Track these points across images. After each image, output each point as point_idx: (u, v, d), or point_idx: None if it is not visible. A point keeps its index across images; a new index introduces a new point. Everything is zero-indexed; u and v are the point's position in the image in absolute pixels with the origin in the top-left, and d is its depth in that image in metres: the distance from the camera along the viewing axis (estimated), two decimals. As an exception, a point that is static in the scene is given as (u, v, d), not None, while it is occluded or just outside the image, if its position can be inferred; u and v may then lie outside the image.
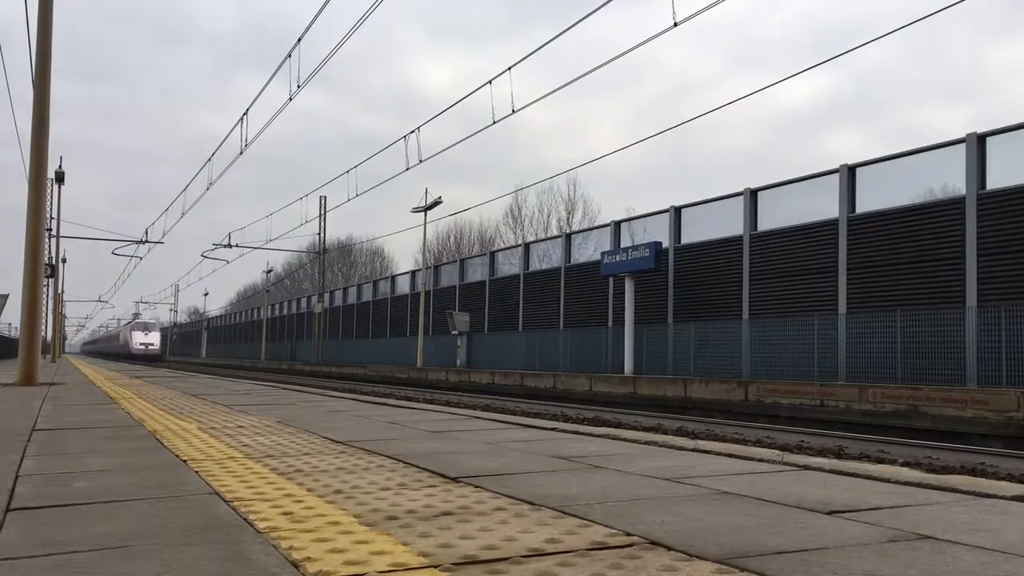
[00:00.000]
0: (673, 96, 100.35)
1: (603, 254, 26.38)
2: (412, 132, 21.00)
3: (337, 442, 4.30)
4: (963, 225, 17.15)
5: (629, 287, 24.89)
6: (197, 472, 3.22)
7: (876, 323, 18.14)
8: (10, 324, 59.27)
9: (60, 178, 33.54)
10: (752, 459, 3.59)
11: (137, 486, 2.90)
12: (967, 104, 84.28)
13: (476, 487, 2.84)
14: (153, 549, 1.95)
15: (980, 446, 11.24)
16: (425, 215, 36.77)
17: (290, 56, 17.68)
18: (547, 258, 34.29)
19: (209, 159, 26.32)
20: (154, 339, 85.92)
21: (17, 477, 3.12)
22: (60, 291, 47.47)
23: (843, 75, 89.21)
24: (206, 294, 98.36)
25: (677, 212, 25.48)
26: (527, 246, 35.90)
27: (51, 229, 32.56)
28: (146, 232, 39.30)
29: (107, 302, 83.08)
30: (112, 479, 3.08)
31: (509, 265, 36.23)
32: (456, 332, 35.52)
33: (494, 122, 17.78)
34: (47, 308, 37.67)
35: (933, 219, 18.00)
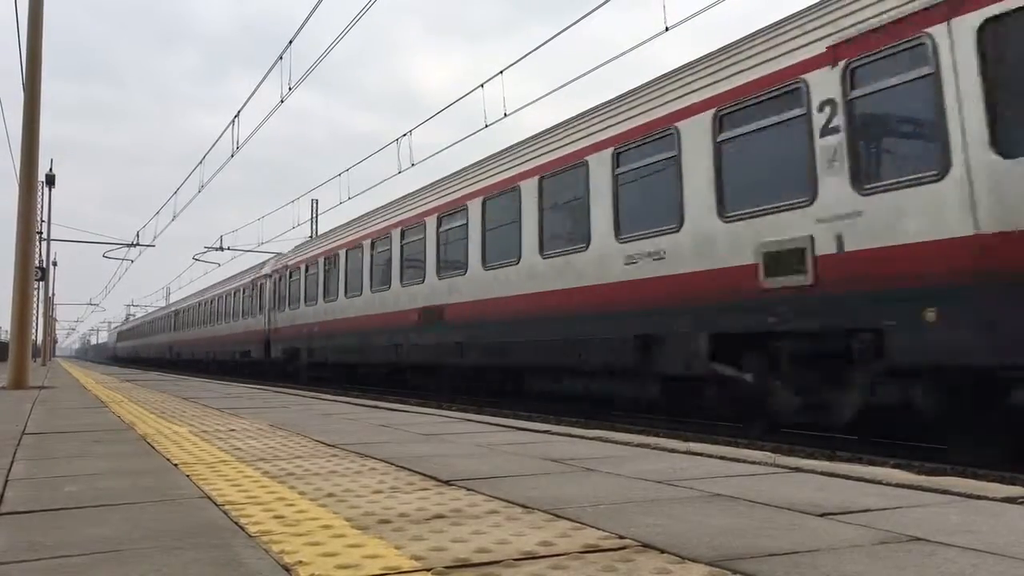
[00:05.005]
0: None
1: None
2: (404, 135, 20.95)
3: (329, 445, 4.29)
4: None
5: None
6: (189, 476, 3.21)
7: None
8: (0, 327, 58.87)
9: (51, 181, 33.41)
10: (744, 461, 3.59)
11: (128, 490, 2.89)
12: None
13: (469, 490, 2.83)
14: (144, 553, 1.94)
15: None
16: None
17: (281, 58, 17.64)
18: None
19: (200, 161, 26.21)
20: None
21: (7, 482, 3.11)
22: (51, 294, 47.28)
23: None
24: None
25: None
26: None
27: (41, 232, 32.42)
28: (137, 235, 39.11)
29: (98, 305, 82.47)
30: (103, 483, 3.06)
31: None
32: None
33: (486, 125, 17.77)
34: (37, 311, 37.51)
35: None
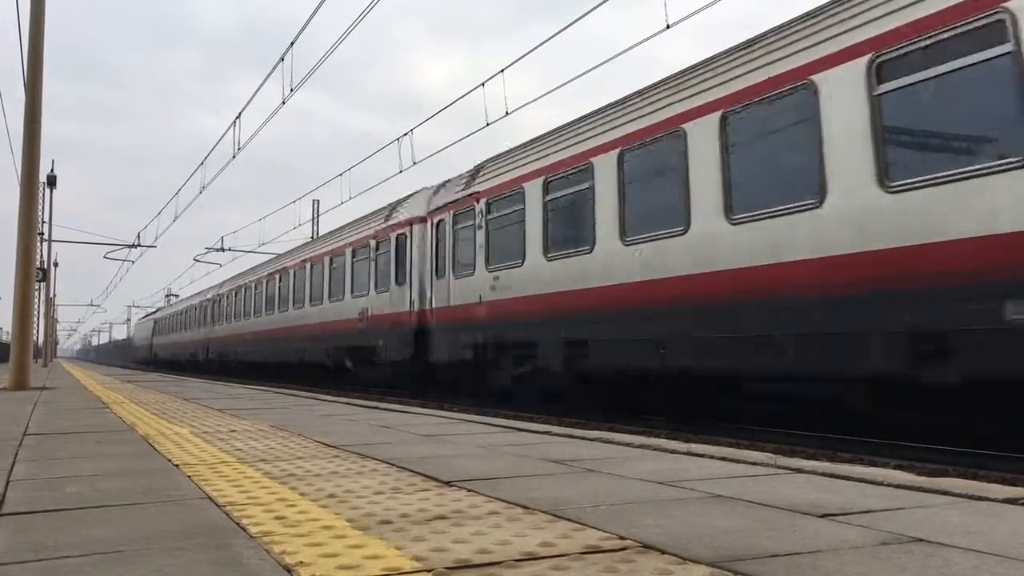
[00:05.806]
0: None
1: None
2: (405, 135, 20.96)
3: (330, 446, 4.29)
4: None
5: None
6: (190, 476, 3.21)
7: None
8: (1, 328, 58.66)
9: (52, 182, 33.44)
10: (745, 462, 3.59)
11: (129, 491, 2.89)
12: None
13: (469, 491, 2.83)
14: (145, 554, 1.94)
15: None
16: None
17: (283, 60, 17.64)
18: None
19: (202, 163, 26.20)
20: None
21: (8, 482, 3.11)
22: (52, 295, 47.30)
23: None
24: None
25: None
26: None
27: (43, 233, 32.43)
28: (138, 236, 39.02)
29: (99, 306, 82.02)
30: (104, 484, 3.07)
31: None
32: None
33: (487, 124, 17.77)
34: (38, 312, 37.52)
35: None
